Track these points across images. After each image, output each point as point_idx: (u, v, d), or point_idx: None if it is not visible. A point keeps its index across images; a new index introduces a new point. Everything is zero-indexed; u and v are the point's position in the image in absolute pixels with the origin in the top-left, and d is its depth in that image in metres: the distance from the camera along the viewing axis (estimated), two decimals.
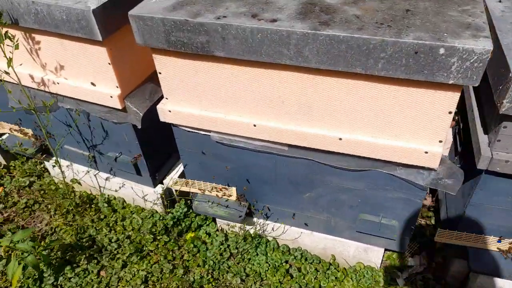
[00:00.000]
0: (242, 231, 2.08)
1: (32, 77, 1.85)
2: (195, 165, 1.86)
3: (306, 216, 1.86)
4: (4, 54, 1.64)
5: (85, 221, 2.26)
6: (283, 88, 1.39)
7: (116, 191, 2.31)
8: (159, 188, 2.17)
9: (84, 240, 2.17)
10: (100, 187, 2.35)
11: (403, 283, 1.93)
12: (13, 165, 2.67)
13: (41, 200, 2.46)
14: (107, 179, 2.27)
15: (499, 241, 1.59)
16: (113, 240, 2.16)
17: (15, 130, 2.29)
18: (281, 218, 1.94)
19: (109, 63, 1.61)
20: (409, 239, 1.75)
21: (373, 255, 1.88)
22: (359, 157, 1.48)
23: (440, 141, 1.33)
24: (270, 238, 2.07)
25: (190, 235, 2.16)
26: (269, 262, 2.02)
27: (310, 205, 1.80)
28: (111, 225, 2.25)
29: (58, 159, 2.02)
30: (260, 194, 1.86)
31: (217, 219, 2.13)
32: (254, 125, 1.52)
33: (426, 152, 1.35)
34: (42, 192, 2.49)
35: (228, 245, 2.08)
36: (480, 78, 1.11)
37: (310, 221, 1.88)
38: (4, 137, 2.52)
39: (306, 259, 2.01)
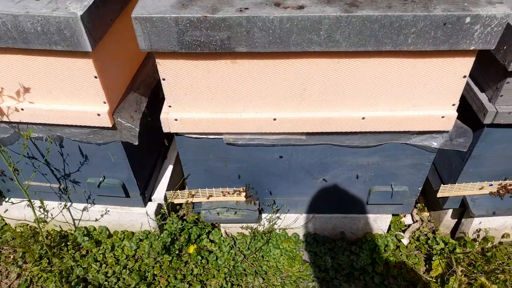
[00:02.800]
0: (250, 230, 2.01)
1: None
2: (199, 173, 1.73)
3: (317, 199, 1.87)
4: None
5: (66, 262, 1.97)
6: (306, 76, 1.36)
7: (96, 220, 2.04)
8: (153, 206, 1.98)
9: (73, 283, 1.89)
10: (74, 220, 2.05)
11: (408, 242, 2.08)
12: None
13: None
14: (84, 209, 1.99)
15: (490, 185, 1.80)
16: (109, 275, 1.92)
17: None
18: (292, 208, 1.92)
19: (95, 77, 1.39)
20: (415, 200, 1.88)
21: (381, 223, 1.99)
22: (377, 132, 1.53)
23: (453, 105, 1.44)
24: (279, 231, 2.04)
25: (192, 247, 2.03)
26: (284, 254, 2.00)
27: (322, 189, 1.81)
28: (99, 258, 1.99)
29: (29, 198, 1.71)
30: (272, 188, 1.81)
31: (221, 224, 2.03)
32: (274, 119, 1.47)
33: (443, 117, 1.45)
34: None
35: (239, 248, 2.01)
36: (497, 41, 1.22)
37: (320, 204, 1.90)
38: None
39: (318, 242, 2.04)
